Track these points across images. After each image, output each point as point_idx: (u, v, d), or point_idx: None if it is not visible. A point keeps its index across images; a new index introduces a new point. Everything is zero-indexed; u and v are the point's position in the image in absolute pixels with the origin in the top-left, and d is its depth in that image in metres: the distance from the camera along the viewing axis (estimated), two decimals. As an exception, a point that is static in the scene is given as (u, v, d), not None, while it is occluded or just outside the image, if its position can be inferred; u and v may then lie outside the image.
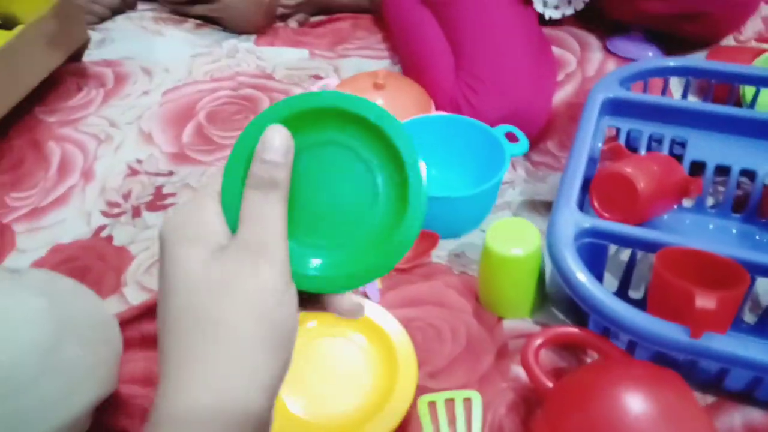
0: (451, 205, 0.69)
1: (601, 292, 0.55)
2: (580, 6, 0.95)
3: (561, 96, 0.92)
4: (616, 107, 0.74)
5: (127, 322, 0.66)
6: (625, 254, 0.68)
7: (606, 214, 0.66)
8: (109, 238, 0.76)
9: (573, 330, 0.58)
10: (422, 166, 0.32)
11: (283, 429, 0.54)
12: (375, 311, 0.62)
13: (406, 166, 0.32)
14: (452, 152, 0.77)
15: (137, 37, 1.06)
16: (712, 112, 0.71)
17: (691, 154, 0.72)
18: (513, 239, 0.61)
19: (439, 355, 0.62)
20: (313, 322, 0.62)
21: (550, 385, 0.54)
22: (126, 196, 0.81)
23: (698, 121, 0.72)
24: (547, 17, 0.95)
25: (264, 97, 0.94)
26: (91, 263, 0.73)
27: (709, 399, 0.58)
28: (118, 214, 0.79)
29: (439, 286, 0.68)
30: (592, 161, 0.69)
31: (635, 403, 0.49)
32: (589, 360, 0.61)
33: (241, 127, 0.89)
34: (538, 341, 0.56)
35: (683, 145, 0.73)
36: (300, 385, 0.58)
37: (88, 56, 1.02)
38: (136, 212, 0.78)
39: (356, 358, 0.60)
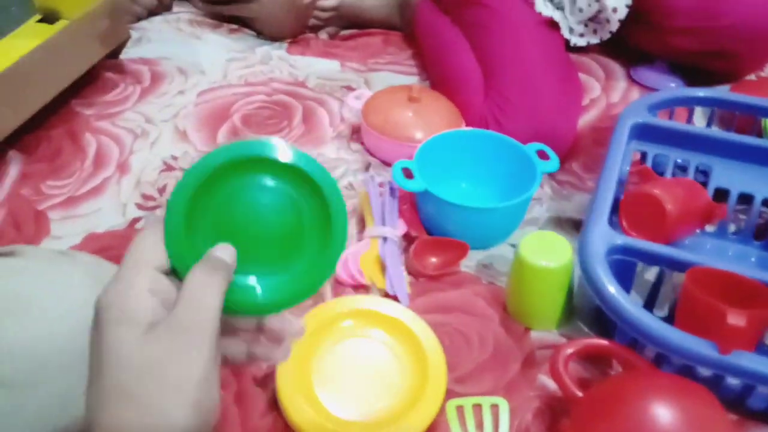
0: (483, 217, 0.71)
1: (633, 306, 0.56)
2: (606, 36, 0.98)
3: (586, 120, 0.95)
4: (643, 132, 0.76)
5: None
6: (650, 273, 0.70)
7: (633, 233, 0.68)
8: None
9: (602, 342, 0.60)
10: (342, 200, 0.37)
11: (315, 425, 0.56)
12: (405, 315, 0.64)
13: (327, 199, 0.37)
14: (483, 167, 0.79)
15: (174, 39, 1.09)
16: (737, 141, 0.74)
17: (715, 181, 0.74)
18: (545, 251, 0.63)
19: (467, 360, 0.64)
20: (349, 321, 0.63)
21: (580, 394, 0.55)
22: (161, 191, 0.82)
23: (723, 150, 0.75)
24: (572, 44, 0.98)
25: (297, 104, 0.97)
26: (125, 253, 0.74)
27: (732, 417, 0.59)
28: (153, 207, 0.80)
29: (468, 294, 0.70)
30: (620, 183, 0.72)
31: (665, 413, 0.50)
32: (613, 372, 0.63)
33: (274, 132, 0.92)
34: (569, 351, 0.58)
35: (705, 173, 0.76)
36: (333, 384, 0.59)
37: (126, 54, 1.04)
38: (171, 207, 0.80)
39: (387, 358, 0.61)
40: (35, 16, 1.01)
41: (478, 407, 0.60)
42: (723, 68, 0.99)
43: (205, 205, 0.36)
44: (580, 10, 0.96)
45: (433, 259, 0.73)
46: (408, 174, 0.72)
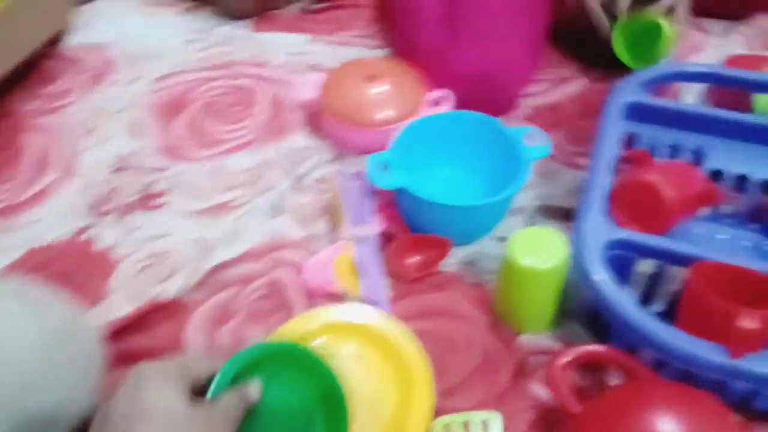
0: (467, 214, 0.66)
1: (639, 312, 0.52)
2: None
3: (569, 89, 0.89)
4: (636, 111, 0.71)
5: (113, 335, 0.61)
6: (645, 265, 0.65)
7: (628, 224, 0.63)
8: (93, 240, 0.70)
9: (600, 348, 0.55)
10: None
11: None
12: (385, 324, 0.58)
13: (336, 397, 0.47)
14: (466, 151, 0.73)
15: (124, 21, 1.00)
16: (732, 120, 0.69)
17: (710, 163, 0.69)
18: (537, 250, 0.57)
19: (454, 370, 0.59)
20: (322, 338, 0.58)
21: (579, 407, 0.51)
22: (112, 194, 0.75)
23: (717, 129, 0.70)
24: None
25: (263, 87, 0.89)
26: (72, 268, 0.67)
27: (737, 419, 0.55)
28: (103, 214, 0.73)
29: (452, 296, 0.65)
30: (613, 168, 0.66)
31: (672, 427, 0.46)
32: (610, 378, 0.58)
33: (238, 120, 0.84)
34: (565, 359, 0.53)
35: (698, 153, 0.71)
36: None
37: (70, 40, 0.95)
38: (124, 211, 0.73)
39: (366, 378, 0.56)
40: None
41: (468, 425, 0.55)
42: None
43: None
44: None
45: (413, 259, 0.67)
46: (384, 168, 0.66)
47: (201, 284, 0.66)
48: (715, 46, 0.93)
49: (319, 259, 0.66)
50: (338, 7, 1.04)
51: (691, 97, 0.80)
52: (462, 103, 0.78)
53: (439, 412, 0.55)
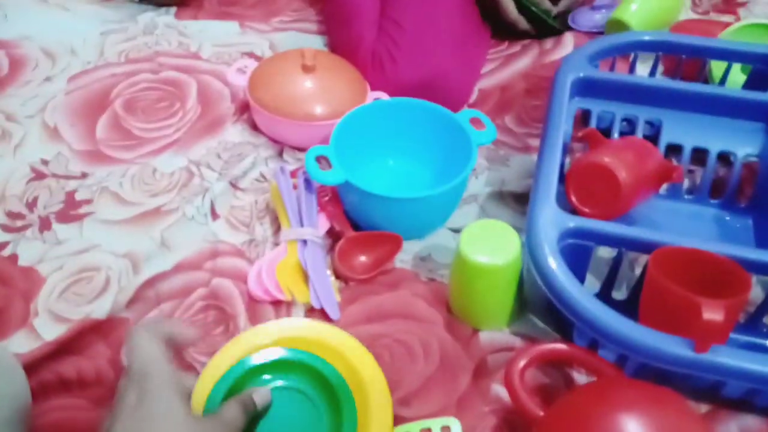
0: (417, 206, 0.61)
1: (597, 307, 0.49)
2: None
3: (517, 67, 0.85)
4: (586, 87, 0.68)
5: (40, 361, 0.55)
6: (604, 250, 0.62)
7: (585, 209, 0.61)
8: (14, 257, 0.64)
9: (560, 347, 0.52)
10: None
11: None
12: (338, 335, 0.54)
13: (341, 402, 0.47)
14: (411, 140, 0.69)
15: (36, 14, 0.91)
16: (687, 90, 0.67)
17: (666, 137, 0.67)
18: (489, 245, 0.54)
19: (411, 376, 0.55)
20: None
21: (541, 412, 0.48)
22: (31, 205, 0.68)
23: (673, 101, 0.67)
24: None
25: (190, 81, 0.83)
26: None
27: (704, 408, 0.53)
28: (23, 228, 0.66)
29: (406, 295, 0.61)
30: (564, 148, 0.63)
31: (636, 429, 0.44)
32: (575, 374, 0.55)
33: (164, 117, 0.78)
34: (522, 362, 0.50)
35: (654, 125, 0.69)
36: None
37: (-24, 36, 0.87)
38: (45, 224, 0.67)
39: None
40: None
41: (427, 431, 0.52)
42: None
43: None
44: None
45: (363, 258, 0.63)
46: (325, 163, 0.62)
47: (135, 300, 0.60)
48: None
49: (261, 265, 0.61)
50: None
51: (642, 66, 0.78)
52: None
53: (397, 421, 0.51)
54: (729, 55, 0.70)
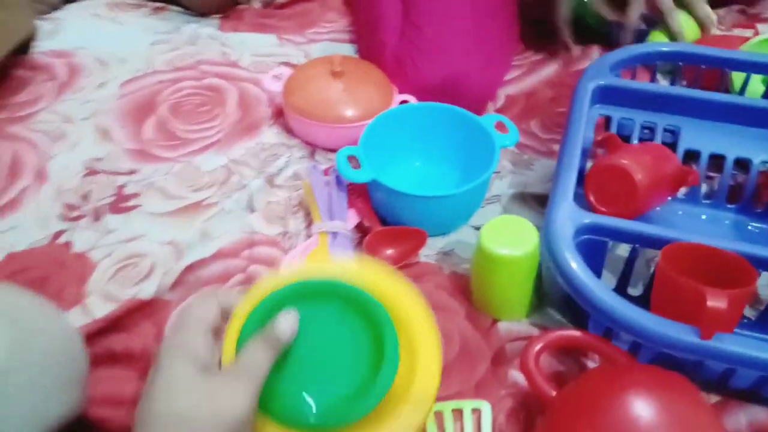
0: (441, 204, 0.65)
1: (608, 296, 0.51)
2: None
3: (543, 75, 0.89)
4: (607, 95, 0.71)
5: (92, 336, 0.60)
6: (622, 249, 0.65)
7: (602, 209, 0.63)
8: (68, 245, 0.69)
9: (574, 333, 0.55)
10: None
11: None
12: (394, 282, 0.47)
13: (382, 328, 0.42)
14: (437, 142, 0.73)
15: (91, 26, 0.98)
16: (705, 99, 0.69)
17: (684, 143, 0.69)
18: (509, 238, 0.57)
19: (432, 361, 0.59)
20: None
21: (553, 393, 0.51)
22: (85, 198, 0.74)
23: (690, 109, 0.69)
24: None
25: (231, 87, 0.88)
26: (49, 272, 0.67)
27: (713, 398, 0.56)
28: (77, 218, 0.72)
29: (429, 287, 0.65)
30: (585, 153, 0.66)
31: (645, 410, 0.46)
32: (589, 363, 0.58)
33: (206, 120, 0.83)
34: (538, 346, 0.53)
35: (673, 132, 0.71)
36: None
37: (37, 47, 0.94)
38: (97, 215, 0.72)
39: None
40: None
41: (458, 412, 0.55)
42: None
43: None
44: None
45: (389, 251, 0.67)
46: (355, 162, 0.66)
47: (178, 283, 0.65)
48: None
49: (294, 254, 0.65)
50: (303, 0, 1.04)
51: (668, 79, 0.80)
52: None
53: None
54: (746, 66, 0.73)
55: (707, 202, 0.70)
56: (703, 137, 0.69)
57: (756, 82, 0.76)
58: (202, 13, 1.00)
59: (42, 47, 0.94)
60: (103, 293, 0.65)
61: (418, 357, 0.44)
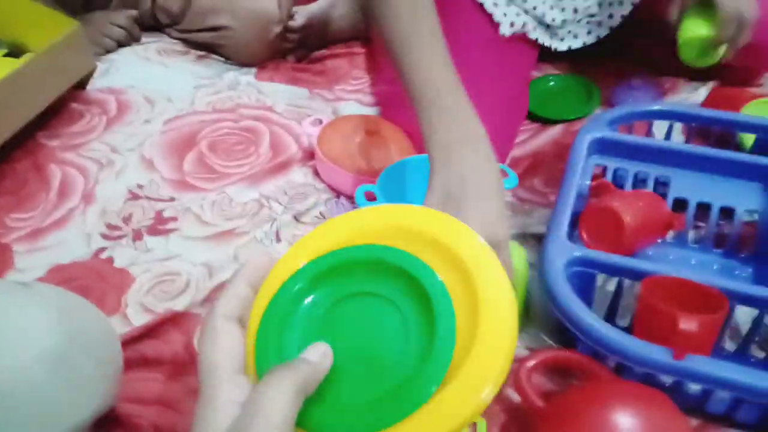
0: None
1: (591, 317, 0.57)
2: (604, 33, 0.97)
3: (549, 135, 0.96)
4: (603, 146, 0.78)
5: (127, 342, 0.67)
6: (612, 284, 0.71)
7: (594, 247, 0.69)
8: (110, 260, 0.77)
9: (565, 353, 0.60)
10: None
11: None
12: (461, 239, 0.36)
13: (437, 313, 0.33)
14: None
15: (141, 68, 1.09)
16: (693, 152, 0.76)
17: (674, 192, 0.76)
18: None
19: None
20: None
21: (542, 404, 0.56)
22: (126, 220, 0.82)
23: (680, 161, 0.76)
24: (553, 49, 0.98)
25: (265, 129, 0.97)
26: (91, 283, 0.74)
27: (693, 422, 0.60)
28: (119, 237, 0.80)
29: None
30: (580, 197, 0.73)
31: (626, 421, 0.51)
32: (576, 382, 0.63)
33: (243, 157, 0.92)
34: (532, 363, 0.59)
35: (666, 184, 0.78)
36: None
37: (93, 84, 1.05)
38: (137, 235, 0.80)
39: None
40: (1, 50, 1.02)
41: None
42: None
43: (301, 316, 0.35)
44: (575, 11, 0.95)
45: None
46: (371, 198, 0.73)
47: (208, 299, 0.72)
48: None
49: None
50: (335, 55, 1.14)
51: (674, 132, 0.87)
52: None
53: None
54: (733, 125, 0.80)
55: (696, 246, 0.76)
56: (691, 186, 0.76)
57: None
58: (242, 64, 1.11)
59: (97, 84, 1.05)
60: (141, 304, 0.72)
61: (477, 341, 0.33)
